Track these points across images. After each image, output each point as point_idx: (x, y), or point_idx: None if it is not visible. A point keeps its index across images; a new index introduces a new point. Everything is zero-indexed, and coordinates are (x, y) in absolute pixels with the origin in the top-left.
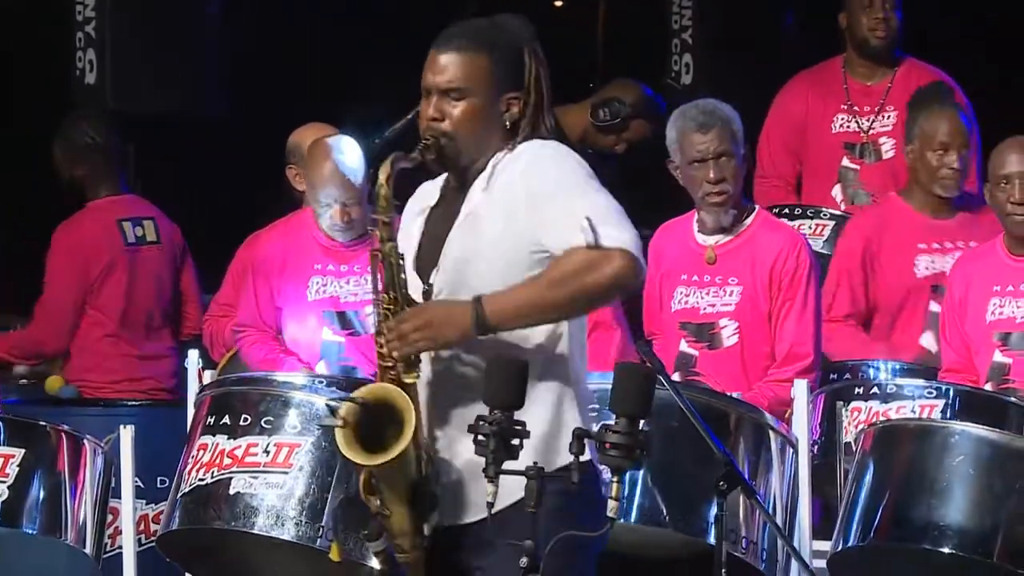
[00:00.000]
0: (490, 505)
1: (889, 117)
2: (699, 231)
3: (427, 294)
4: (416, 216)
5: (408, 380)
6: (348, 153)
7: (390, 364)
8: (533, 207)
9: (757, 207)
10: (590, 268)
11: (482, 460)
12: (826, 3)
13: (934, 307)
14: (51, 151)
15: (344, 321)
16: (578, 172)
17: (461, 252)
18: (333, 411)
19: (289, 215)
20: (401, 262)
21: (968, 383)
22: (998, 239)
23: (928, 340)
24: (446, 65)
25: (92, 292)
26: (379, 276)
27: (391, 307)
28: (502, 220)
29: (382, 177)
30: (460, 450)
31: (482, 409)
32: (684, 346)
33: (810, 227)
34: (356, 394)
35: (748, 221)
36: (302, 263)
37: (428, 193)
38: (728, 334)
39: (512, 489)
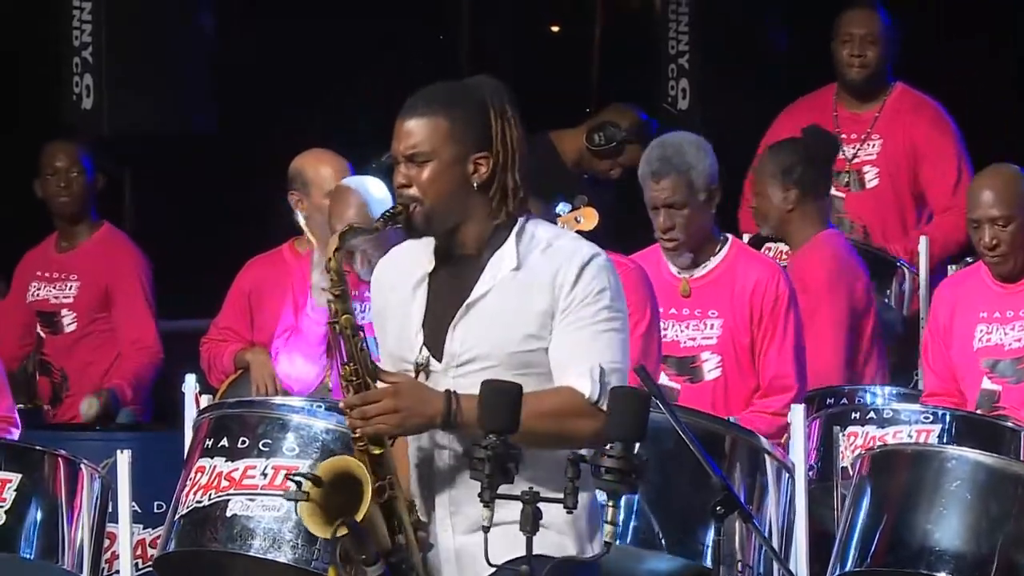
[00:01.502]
0: (486, 529)
1: (874, 146)
2: (673, 264)
3: (420, 367)
4: (412, 283)
5: (375, 452)
6: (375, 194)
7: (357, 435)
8: (571, 306)
9: (730, 238)
10: (578, 418)
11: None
12: (822, 28)
13: None
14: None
15: None
16: (614, 304)
17: (482, 324)
18: (298, 484)
19: (281, 248)
20: (361, 333)
21: (952, 407)
22: (979, 264)
23: None
24: (408, 131)
25: None
26: (340, 347)
27: (352, 378)
28: (537, 302)
29: (331, 250)
30: (453, 524)
31: (473, 486)
32: (665, 379)
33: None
34: (317, 469)
35: (723, 252)
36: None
37: (414, 258)
38: (710, 367)
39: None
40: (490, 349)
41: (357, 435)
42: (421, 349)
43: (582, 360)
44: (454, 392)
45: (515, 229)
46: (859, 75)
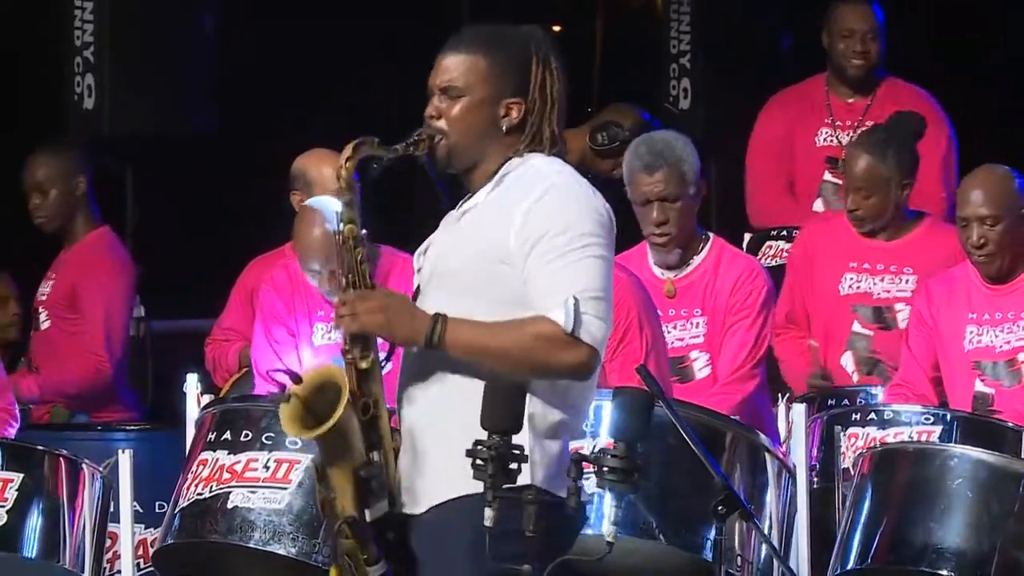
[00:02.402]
0: (488, 529)
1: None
2: (655, 265)
3: (416, 294)
4: (443, 224)
5: (363, 365)
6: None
7: (347, 348)
8: (530, 243)
9: (712, 236)
10: (554, 349)
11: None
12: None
13: (856, 327)
14: None
15: None
16: (587, 225)
17: (444, 246)
18: (283, 390)
19: (283, 248)
20: (361, 247)
21: (917, 401)
22: (967, 264)
23: (847, 360)
24: (446, 66)
25: None
26: (340, 256)
27: (348, 289)
28: (495, 229)
29: (343, 158)
30: (412, 428)
31: (453, 402)
32: None
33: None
34: (302, 373)
35: (704, 252)
36: (306, 311)
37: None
38: (700, 366)
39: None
40: (448, 266)
41: (347, 347)
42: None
43: (556, 292)
44: (442, 315)
45: (512, 162)
46: (861, 70)
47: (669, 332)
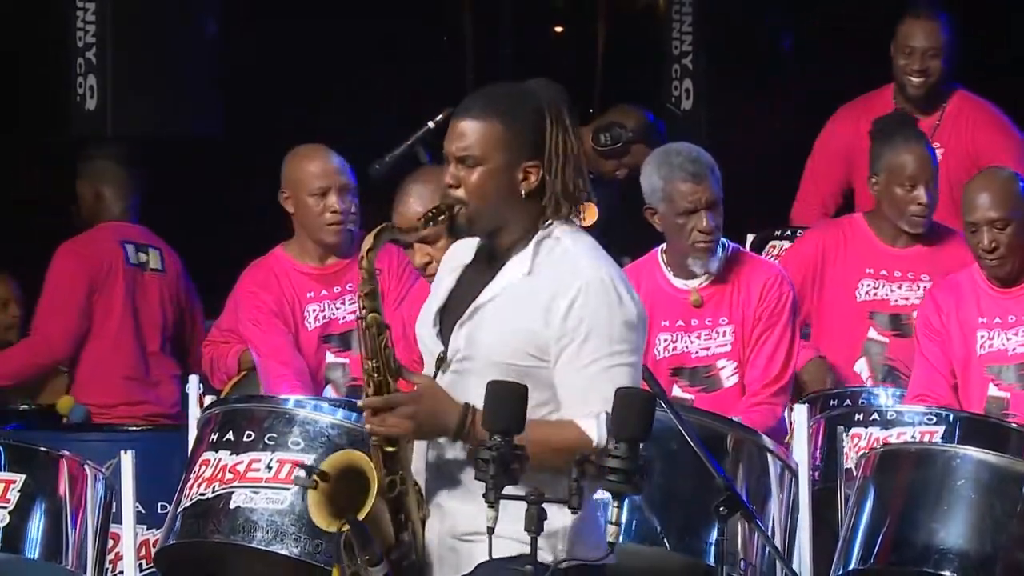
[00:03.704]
0: (490, 530)
1: (936, 155)
2: (675, 276)
3: (440, 362)
4: (448, 273)
5: (389, 449)
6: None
7: (371, 432)
8: (562, 346)
9: (729, 243)
10: (578, 453)
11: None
12: (825, 29)
13: (872, 333)
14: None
15: (345, 341)
16: (619, 330)
17: (482, 323)
18: (309, 473)
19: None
20: (387, 332)
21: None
22: (974, 269)
23: (861, 366)
24: (462, 132)
25: (92, 306)
26: (365, 344)
27: (374, 375)
28: (529, 319)
29: (365, 249)
30: (456, 520)
31: (461, 486)
32: (678, 391)
33: None
34: (322, 464)
35: (725, 258)
36: (295, 298)
37: (462, 251)
38: (727, 375)
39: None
40: (484, 353)
41: (371, 433)
42: (437, 339)
43: (590, 402)
44: (472, 407)
45: (540, 233)
46: (919, 89)
47: (692, 343)
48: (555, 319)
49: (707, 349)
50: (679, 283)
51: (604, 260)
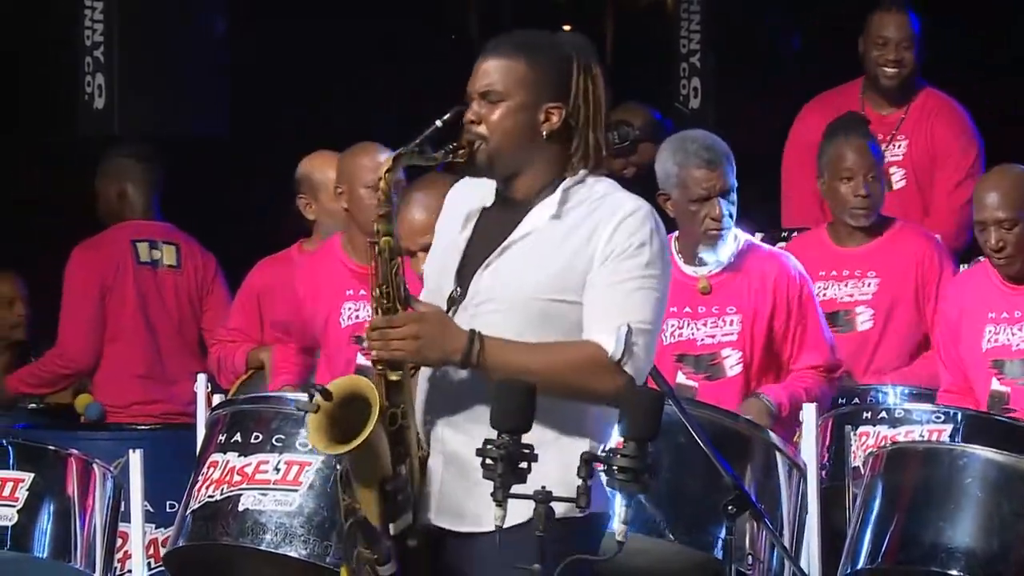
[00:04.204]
0: (498, 528)
1: (900, 147)
2: (685, 263)
3: (453, 300)
4: (463, 216)
5: (393, 377)
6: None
7: (376, 360)
8: (602, 258)
9: (741, 235)
10: (597, 374)
11: (477, 466)
12: (833, 28)
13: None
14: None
15: None
16: (656, 259)
17: (508, 264)
18: (311, 397)
19: (290, 249)
20: (398, 259)
21: (971, 405)
22: (986, 264)
23: None
24: (486, 71)
25: (105, 310)
26: (376, 266)
27: (383, 300)
28: (571, 254)
29: (383, 171)
30: (458, 453)
31: (484, 412)
32: (682, 378)
33: None
34: (329, 385)
35: (735, 247)
36: (333, 290)
37: (474, 193)
38: (731, 364)
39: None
40: (510, 293)
41: (375, 358)
42: (455, 283)
43: (612, 317)
44: (478, 332)
45: (568, 180)
46: (893, 80)
47: (698, 330)
48: (598, 244)
49: (713, 337)
50: (688, 270)
51: (642, 201)
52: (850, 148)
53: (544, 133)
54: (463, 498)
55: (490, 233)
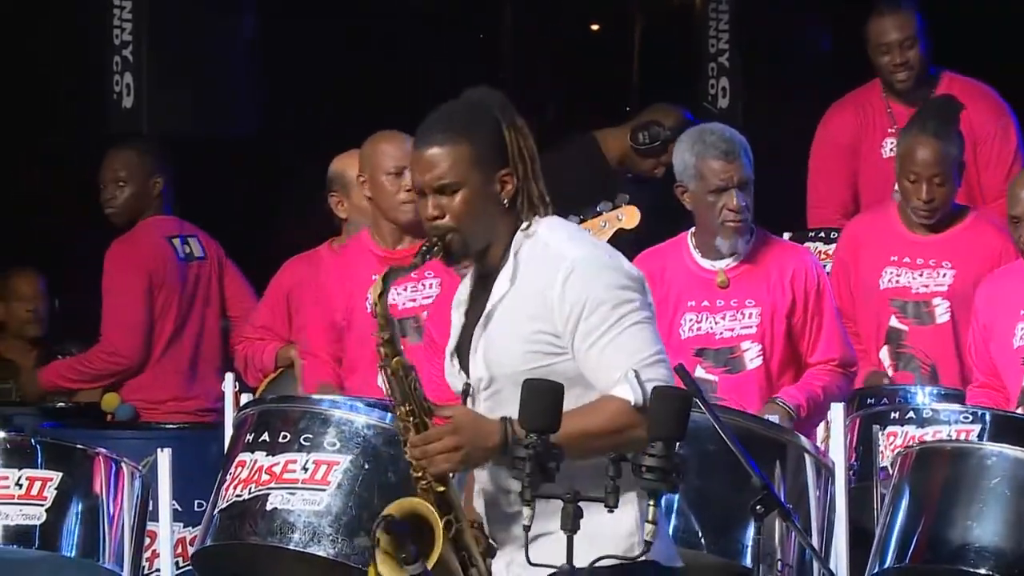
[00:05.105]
0: (527, 528)
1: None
2: (703, 256)
3: (466, 392)
4: (457, 308)
5: (439, 489)
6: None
7: (420, 474)
8: (570, 330)
9: (755, 226)
10: (630, 428)
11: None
12: (861, 27)
13: (893, 321)
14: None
15: (401, 329)
16: (618, 294)
17: (491, 343)
18: (368, 531)
19: (319, 248)
20: (413, 373)
21: (1000, 402)
22: (1020, 262)
23: (884, 354)
24: (432, 162)
25: (152, 309)
26: (394, 389)
27: (410, 419)
28: (530, 320)
29: (373, 296)
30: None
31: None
32: (701, 372)
33: None
34: (384, 513)
35: (753, 240)
36: (361, 276)
37: (466, 284)
38: (751, 357)
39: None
40: (499, 371)
41: (420, 475)
42: (459, 373)
43: (613, 369)
44: (508, 419)
45: (516, 240)
46: (906, 82)
47: (717, 323)
48: (554, 306)
49: (732, 330)
50: (706, 263)
51: (584, 239)
52: (920, 147)
53: (504, 202)
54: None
55: (473, 318)
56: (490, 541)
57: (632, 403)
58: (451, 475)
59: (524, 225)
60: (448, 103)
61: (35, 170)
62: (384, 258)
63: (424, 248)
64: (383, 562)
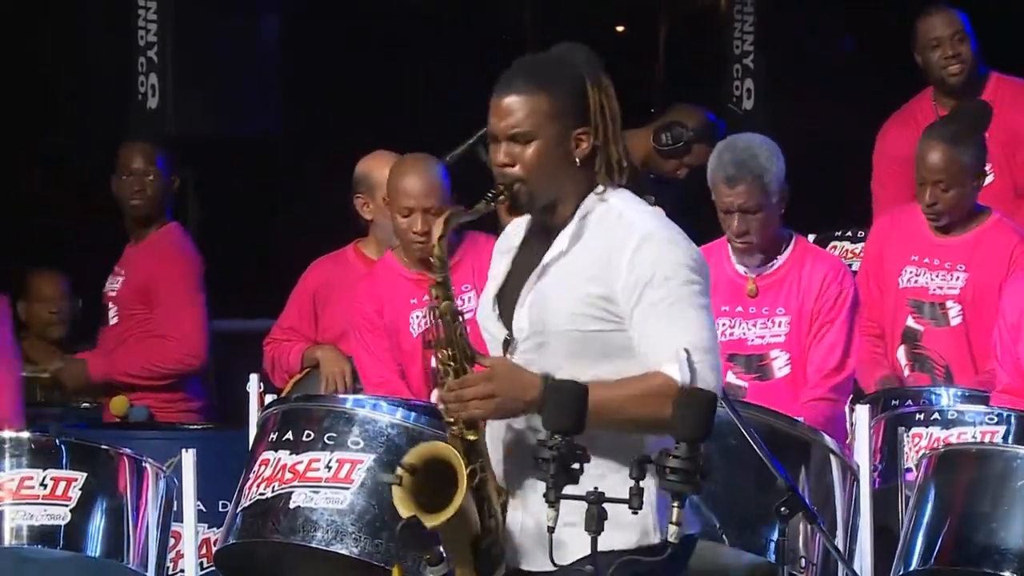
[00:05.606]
0: (551, 529)
1: None
2: (738, 262)
3: (507, 344)
4: (502, 256)
5: (470, 437)
6: (433, 164)
7: (452, 420)
8: (636, 294)
9: (795, 236)
10: (668, 407)
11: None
12: (885, 28)
13: (910, 322)
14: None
15: None
16: (688, 272)
17: (542, 297)
18: (393, 469)
19: (345, 249)
20: (460, 319)
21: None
22: None
23: (901, 354)
24: (509, 109)
25: None
26: (439, 332)
27: (450, 363)
28: (587, 281)
29: (436, 237)
30: (532, 502)
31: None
32: (732, 378)
33: None
34: (407, 457)
35: (788, 251)
36: (399, 304)
37: (514, 232)
38: (780, 365)
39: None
40: (542, 327)
41: (452, 420)
42: (499, 323)
43: (667, 344)
44: (550, 376)
45: (586, 202)
46: (959, 75)
47: (749, 330)
48: (620, 272)
49: (762, 338)
50: (741, 269)
51: (660, 216)
52: (930, 150)
53: (577, 160)
54: (537, 539)
55: (523, 268)
56: (508, 497)
57: (679, 382)
58: (482, 423)
59: (600, 189)
60: (536, 54)
61: (35, 170)
62: (417, 282)
63: (491, 195)
64: (402, 503)
